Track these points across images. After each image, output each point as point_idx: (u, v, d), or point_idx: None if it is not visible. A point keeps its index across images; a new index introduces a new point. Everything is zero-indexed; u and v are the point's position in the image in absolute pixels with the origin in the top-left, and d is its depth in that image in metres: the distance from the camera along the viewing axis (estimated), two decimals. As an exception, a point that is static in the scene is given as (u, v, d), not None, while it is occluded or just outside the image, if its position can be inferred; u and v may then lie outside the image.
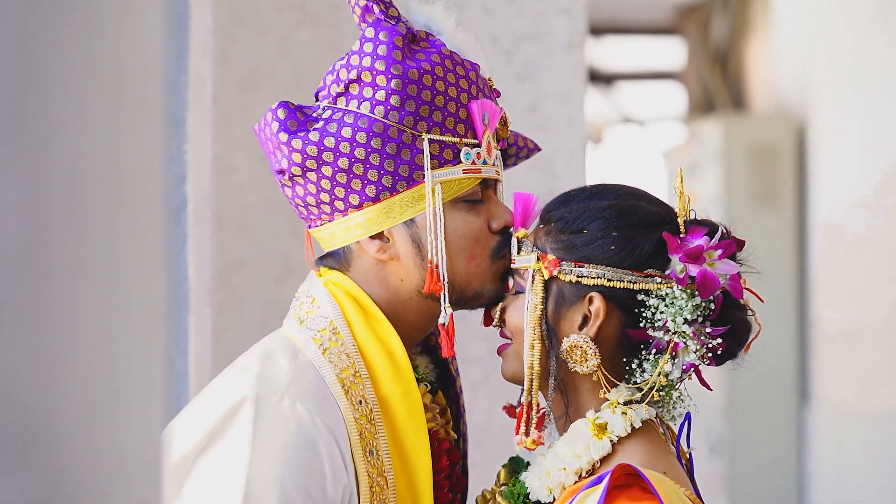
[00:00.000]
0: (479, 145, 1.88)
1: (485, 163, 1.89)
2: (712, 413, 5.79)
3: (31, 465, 0.87)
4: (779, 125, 5.97)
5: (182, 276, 2.75)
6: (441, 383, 1.99)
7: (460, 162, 1.87)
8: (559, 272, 1.83)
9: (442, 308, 1.87)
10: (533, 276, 1.84)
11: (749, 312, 1.86)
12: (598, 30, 7.37)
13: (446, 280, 1.87)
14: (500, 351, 1.91)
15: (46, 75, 0.90)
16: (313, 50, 3.09)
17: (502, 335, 1.91)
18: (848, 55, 5.42)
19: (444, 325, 1.87)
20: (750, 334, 1.87)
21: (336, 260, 1.91)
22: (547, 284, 1.84)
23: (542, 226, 1.87)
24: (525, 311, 1.84)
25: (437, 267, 1.86)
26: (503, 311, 1.90)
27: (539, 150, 2.06)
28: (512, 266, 1.88)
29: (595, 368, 1.82)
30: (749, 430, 5.80)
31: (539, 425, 1.83)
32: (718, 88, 6.86)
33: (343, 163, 1.84)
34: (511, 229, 1.90)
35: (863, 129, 5.27)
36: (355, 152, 1.83)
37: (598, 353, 1.81)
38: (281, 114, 1.85)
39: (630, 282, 1.81)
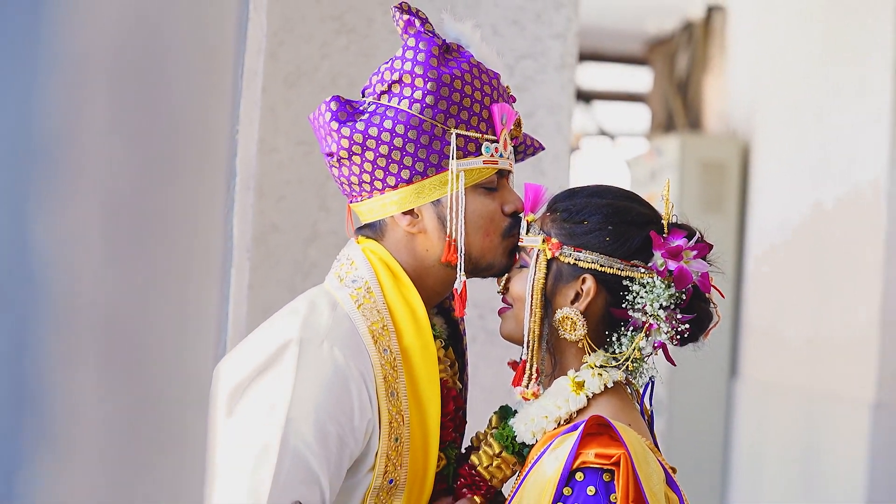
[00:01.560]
0: (497, 141, 1.88)
1: (501, 156, 1.89)
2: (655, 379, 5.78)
3: (127, 374, 0.87)
4: (727, 145, 5.96)
5: (228, 235, 2.74)
6: (452, 341, 1.99)
7: (481, 154, 1.86)
8: (560, 254, 1.83)
9: (458, 275, 1.87)
10: (537, 255, 1.84)
11: (712, 305, 1.88)
12: (581, 56, 7.33)
13: (462, 252, 1.86)
14: (500, 312, 1.91)
15: (158, 63, 0.90)
16: (348, 56, 3.08)
17: (504, 301, 1.91)
18: (789, 90, 5.41)
19: (457, 290, 1.86)
20: (710, 323, 1.88)
21: (373, 230, 1.91)
22: (549, 263, 1.84)
23: (549, 213, 1.87)
24: (528, 283, 1.84)
25: (454, 241, 1.86)
26: (508, 280, 1.89)
27: (543, 149, 2.06)
28: (519, 244, 1.88)
29: (581, 337, 1.82)
30: (685, 397, 5.81)
31: (537, 379, 1.83)
32: (678, 111, 6.85)
33: (383, 149, 1.83)
34: (521, 213, 1.90)
35: (798, 153, 5.27)
36: (394, 141, 1.83)
37: (585, 325, 1.82)
38: (333, 106, 1.85)
39: (618, 269, 1.82)
